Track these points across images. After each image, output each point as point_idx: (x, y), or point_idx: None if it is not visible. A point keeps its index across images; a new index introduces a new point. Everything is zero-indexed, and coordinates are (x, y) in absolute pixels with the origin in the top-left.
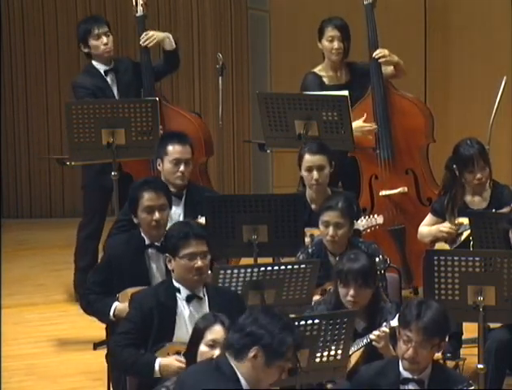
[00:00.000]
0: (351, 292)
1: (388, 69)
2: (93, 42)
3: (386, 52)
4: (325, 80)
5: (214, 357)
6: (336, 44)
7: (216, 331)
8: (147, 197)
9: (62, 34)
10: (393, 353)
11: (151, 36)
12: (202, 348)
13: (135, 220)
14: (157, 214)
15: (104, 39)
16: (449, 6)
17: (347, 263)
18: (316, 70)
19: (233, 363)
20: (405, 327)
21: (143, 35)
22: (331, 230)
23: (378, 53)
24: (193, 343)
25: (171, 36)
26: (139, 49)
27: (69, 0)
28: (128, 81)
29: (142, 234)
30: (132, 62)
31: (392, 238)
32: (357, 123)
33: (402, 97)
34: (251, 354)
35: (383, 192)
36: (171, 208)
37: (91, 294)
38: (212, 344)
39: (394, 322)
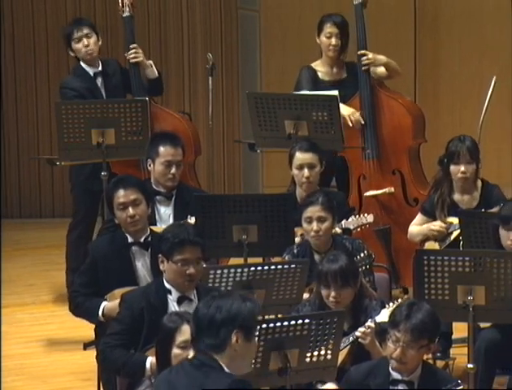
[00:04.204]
0: (332, 293)
1: (378, 70)
2: (75, 46)
3: (370, 56)
4: (320, 74)
5: (190, 357)
6: (333, 40)
7: (185, 332)
8: (119, 195)
9: (51, 34)
10: (380, 350)
11: (139, 52)
12: (175, 350)
13: (116, 220)
14: (130, 210)
15: (85, 41)
16: (438, 6)
17: (326, 264)
18: (313, 64)
19: (215, 357)
20: (394, 327)
21: (132, 47)
22: (314, 225)
23: (363, 59)
24: (163, 345)
25: (153, 64)
26: (128, 64)
27: (59, 1)
28: (115, 84)
29: (125, 233)
30: (119, 65)
31: (377, 238)
32: (350, 109)
33: (390, 98)
34: (233, 340)
35: (368, 193)
36: (148, 202)
37: (78, 296)
38: (184, 346)
39: (379, 318)
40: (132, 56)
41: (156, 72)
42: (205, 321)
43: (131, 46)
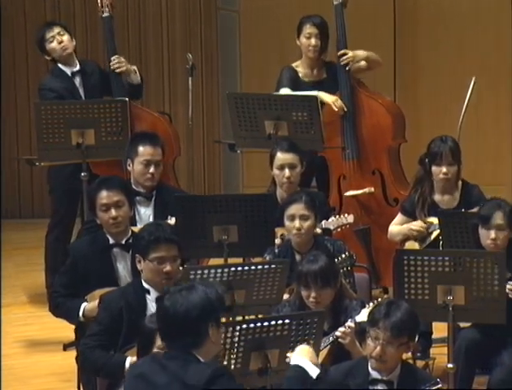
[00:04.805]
0: (312, 294)
1: (360, 64)
2: (49, 46)
3: (350, 54)
4: (301, 75)
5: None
6: (312, 41)
7: None
8: (101, 196)
9: (30, 35)
10: (360, 349)
11: (122, 62)
12: (156, 351)
13: (97, 221)
14: (113, 212)
15: (58, 38)
16: (418, 5)
17: (306, 265)
18: (293, 64)
19: (193, 352)
20: (374, 326)
21: (114, 58)
22: (297, 222)
23: (343, 59)
24: (144, 346)
25: (137, 69)
26: (110, 71)
27: (38, 2)
28: (94, 84)
29: (107, 234)
30: (98, 66)
31: (357, 238)
32: (333, 96)
33: (369, 98)
34: (210, 333)
35: (348, 193)
36: (131, 204)
37: (59, 297)
38: (163, 347)
39: (359, 318)
40: (115, 66)
41: (139, 78)
42: (177, 320)
43: (112, 58)
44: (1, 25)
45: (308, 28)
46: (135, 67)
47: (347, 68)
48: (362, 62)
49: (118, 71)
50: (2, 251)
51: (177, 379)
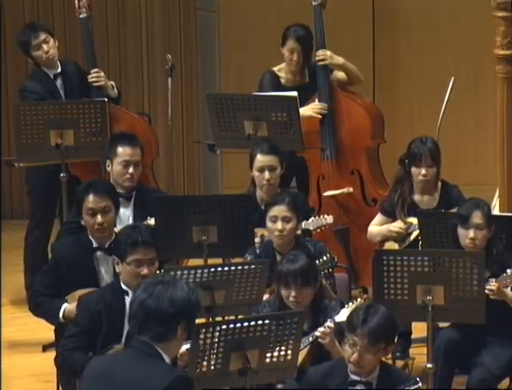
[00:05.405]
0: (292, 293)
1: (339, 75)
2: (35, 54)
3: (328, 54)
4: (282, 80)
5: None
6: (294, 56)
7: None
8: (89, 200)
9: (9, 36)
10: (339, 349)
11: (101, 77)
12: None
13: (82, 222)
14: (99, 218)
15: (44, 47)
16: (396, 7)
17: (286, 264)
18: (276, 68)
19: (155, 346)
20: (351, 332)
21: (93, 71)
22: (279, 224)
23: (320, 55)
24: None
25: (114, 85)
26: (92, 87)
27: (17, 2)
28: (74, 85)
29: (90, 237)
30: (77, 67)
31: (336, 238)
32: (309, 106)
33: (348, 98)
34: (178, 332)
35: (326, 193)
36: (117, 209)
37: (39, 296)
38: None
39: (338, 318)
40: (93, 80)
41: (117, 92)
42: (153, 313)
43: (92, 71)
44: (0, 25)
45: (291, 44)
46: (112, 83)
47: (321, 63)
48: (342, 74)
49: (95, 85)
50: (2, 250)
51: (137, 382)
